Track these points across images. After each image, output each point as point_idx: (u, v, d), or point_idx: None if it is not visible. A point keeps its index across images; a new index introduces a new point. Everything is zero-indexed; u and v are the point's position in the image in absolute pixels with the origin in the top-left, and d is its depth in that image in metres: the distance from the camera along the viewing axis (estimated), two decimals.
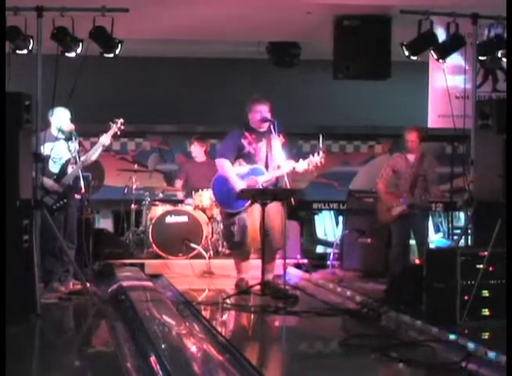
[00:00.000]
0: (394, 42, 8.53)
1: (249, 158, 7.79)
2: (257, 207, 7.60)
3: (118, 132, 7.92)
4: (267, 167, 7.80)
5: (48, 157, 7.61)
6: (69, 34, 7.34)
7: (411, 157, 8.49)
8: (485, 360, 4.98)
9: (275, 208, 7.69)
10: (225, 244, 9.59)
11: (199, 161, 10.17)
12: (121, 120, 7.88)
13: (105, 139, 7.86)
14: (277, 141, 7.71)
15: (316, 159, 7.66)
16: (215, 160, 8.02)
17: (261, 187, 7.72)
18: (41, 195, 7.06)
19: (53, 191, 7.61)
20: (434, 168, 8.51)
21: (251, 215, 7.73)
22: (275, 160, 7.72)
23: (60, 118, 7.70)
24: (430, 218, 11.30)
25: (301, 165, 7.68)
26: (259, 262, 7.63)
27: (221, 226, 9.46)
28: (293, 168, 7.68)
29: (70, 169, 7.75)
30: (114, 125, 7.88)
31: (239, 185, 7.68)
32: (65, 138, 7.73)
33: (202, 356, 5.21)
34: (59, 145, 7.73)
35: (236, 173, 7.75)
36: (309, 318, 6.66)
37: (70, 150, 7.73)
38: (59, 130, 7.69)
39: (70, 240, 7.75)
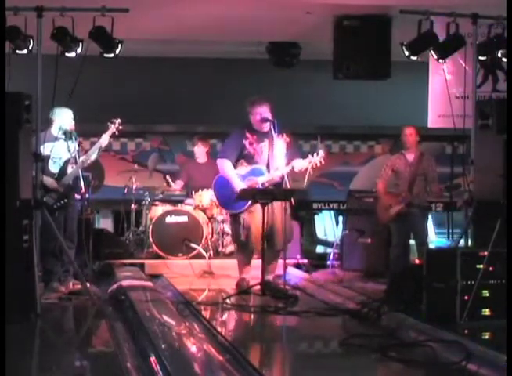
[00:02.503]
0: (395, 42, 8.53)
1: (250, 159, 7.80)
2: (259, 207, 7.60)
3: (116, 132, 7.94)
4: (268, 167, 7.79)
5: (48, 156, 7.62)
6: (69, 34, 7.34)
7: (410, 157, 8.51)
8: (485, 360, 4.97)
9: (277, 209, 7.70)
10: (225, 243, 9.61)
11: (200, 162, 10.16)
12: (119, 120, 7.89)
13: (103, 140, 7.87)
14: (280, 141, 7.72)
15: (316, 159, 7.66)
16: (217, 160, 8.03)
17: (261, 187, 7.73)
18: (42, 194, 7.07)
19: (53, 189, 7.60)
20: (434, 166, 8.51)
21: (254, 216, 7.73)
22: (277, 161, 7.72)
23: (63, 118, 7.71)
24: (431, 218, 11.30)
25: (300, 164, 7.67)
26: (259, 261, 7.64)
27: (223, 225, 9.49)
28: (293, 168, 7.67)
29: (69, 169, 7.75)
30: (112, 126, 7.89)
31: (240, 185, 7.68)
32: (65, 138, 7.73)
33: (202, 356, 5.21)
34: (59, 145, 7.73)
35: (236, 173, 7.75)
36: (309, 318, 6.66)
37: (69, 150, 7.73)
38: (62, 130, 7.70)
39: (70, 240, 7.75)
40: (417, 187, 8.39)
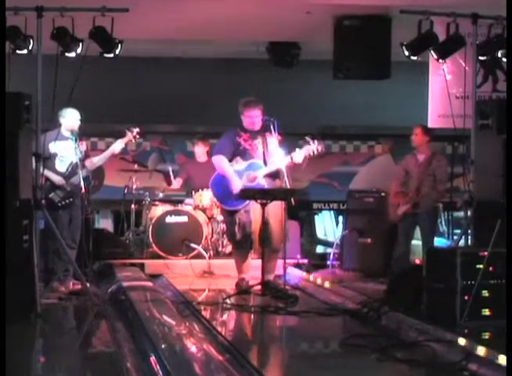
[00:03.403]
0: (394, 42, 8.53)
1: (246, 155, 7.81)
2: (256, 206, 7.62)
3: (133, 141, 7.98)
4: (265, 163, 7.81)
5: (56, 155, 7.67)
6: (69, 34, 7.34)
7: (420, 157, 8.52)
8: (485, 360, 4.97)
9: (272, 207, 7.70)
10: (225, 242, 9.61)
11: (201, 161, 10.16)
12: (137, 129, 7.92)
13: (117, 146, 7.91)
14: (273, 139, 7.73)
15: (313, 147, 7.66)
16: (212, 158, 8.05)
17: (261, 182, 7.73)
18: (47, 191, 7.11)
19: (60, 186, 7.64)
20: (444, 167, 8.51)
21: (253, 215, 7.72)
22: (273, 157, 7.73)
23: (68, 119, 7.75)
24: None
25: (299, 154, 7.67)
26: (259, 261, 7.64)
27: (223, 225, 9.50)
28: (292, 160, 7.66)
29: (78, 169, 7.76)
30: (130, 134, 7.93)
31: (236, 182, 7.69)
32: (73, 138, 7.76)
33: (202, 356, 5.21)
34: (67, 145, 7.77)
35: (234, 170, 7.76)
36: (309, 318, 6.66)
37: (76, 151, 7.75)
38: (68, 130, 7.73)
39: (73, 240, 7.76)
40: (426, 187, 8.38)
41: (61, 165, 7.77)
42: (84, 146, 7.88)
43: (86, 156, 8.00)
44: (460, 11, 7.68)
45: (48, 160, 7.36)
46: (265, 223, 7.57)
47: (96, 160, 7.96)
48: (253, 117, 7.78)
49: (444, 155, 9.20)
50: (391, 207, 8.59)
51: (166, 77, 11.41)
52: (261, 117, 7.79)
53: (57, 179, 7.66)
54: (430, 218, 8.52)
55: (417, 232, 8.62)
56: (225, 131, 8.08)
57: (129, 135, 7.93)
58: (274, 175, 7.77)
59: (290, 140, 8.05)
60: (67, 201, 7.70)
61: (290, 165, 7.71)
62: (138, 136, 7.96)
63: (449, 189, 8.78)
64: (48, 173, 7.46)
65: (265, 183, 7.78)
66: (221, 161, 7.82)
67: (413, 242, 8.72)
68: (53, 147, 7.67)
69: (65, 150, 7.76)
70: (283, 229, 7.67)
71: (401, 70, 9.49)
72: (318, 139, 7.79)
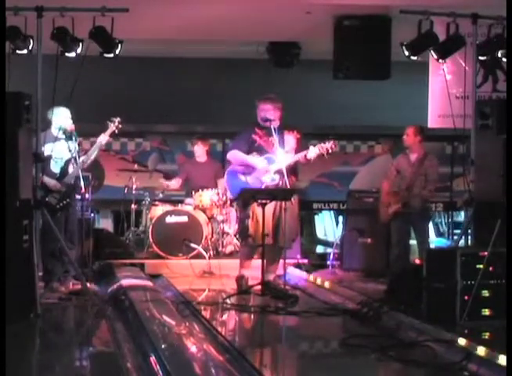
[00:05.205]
0: (394, 42, 8.53)
1: (261, 151, 7.84)
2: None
3: (116, 131, 7.93)
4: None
5: (50, 157, 7.62)
6: (69, 34, 7.34)
7: (412, 157, 8.50)
8: (485, 360, 4.98)
9: (289, 206, 7.70)
10: (225, 242, 9.61)
11: (200, 161, 10.17)
12: (118, 119, 7.87)
13: (103, 139, 7.87)
14: (290, 137, 7.78)
15: (327, 145, 7.67)
16: (227, 154, 8.12)
17: (273, 176, 7.75)
18: (43, 195, 7.08)
19: (55, 190, 7.61)
20: (435, 168, 8.49)
21: (256, 210, 7.73)
22: (281, 153, 7.75)
23: (61, 118, 7.70)
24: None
25: (312, 151, 7.67)
26: (259, 261, 7.64)
27: (223, 225, 9.54)
28: (305, 156, 7.67)
29: (71, 169, 7.75)
30: (112, 124, 7.88)
31: (258, 162, 7.75)
32: (65, 138, 7.73)
33: (202, 356, 5.21)
34: (60, 145, 7.73)
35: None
36: (309, 318, 6.66)
37: (70, 150, 7.73)
38: (61, 129, 7.69)
39: (70, 241, 7.75)
40: (417, 187, 8.37)
41: (56, 167, 7.73)
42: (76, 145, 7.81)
43: (84, 153, 7.96)
44: (460, 11, 7.69)
45: (45, 161, 7.35)
46: (272, 220, 7.64)
47: (90, 154, 7.89)
48: (264, 111, 7.80)
49: (443, 155, 9.18)
50: (382, 207, 8.58)
51: (166, 77, 11.41)
52: (278, 114, 7.82)
53: (52, 184, 7.59)
54: (422, 218, 8.51)
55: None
56: (229, 131, 8.13)
57: (112, 126, 7.89)
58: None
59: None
60: (64, 202, 7.66)
61: (302, 162, 7.75)
62: (120, 126, 7.91)
63: (440, 188, 8.75)
64: (42, 177, 7.38)
65: (276, 178, 7.79)
66: (235, 153, 7.90)
67: (412, 242, 8.72)
68: (48, 149, 7.61)
69: (58, 151, 7.70)
70: (286, 229, 7.64)
71: (401, 70, 9.49)
72: (331, 139, 7.82)
